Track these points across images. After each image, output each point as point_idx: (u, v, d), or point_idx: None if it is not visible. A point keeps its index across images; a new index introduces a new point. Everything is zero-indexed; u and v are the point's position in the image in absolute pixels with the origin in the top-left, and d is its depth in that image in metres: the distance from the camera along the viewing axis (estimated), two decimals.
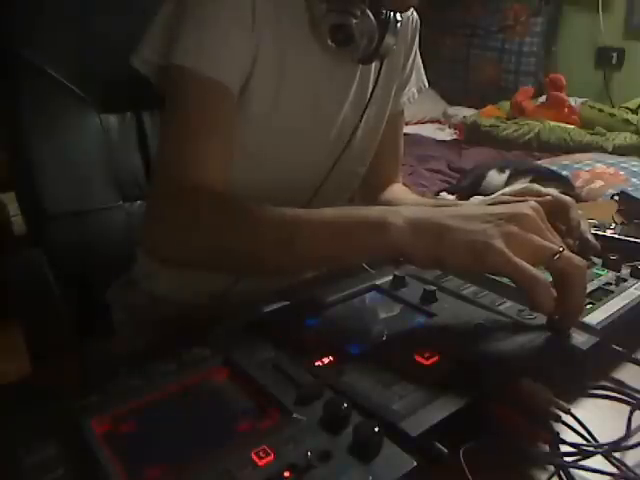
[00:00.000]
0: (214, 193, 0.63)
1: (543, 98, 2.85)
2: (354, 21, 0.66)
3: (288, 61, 0.69)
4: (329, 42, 0.68)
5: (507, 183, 1.95)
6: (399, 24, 0.71)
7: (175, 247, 0.63)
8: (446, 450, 0.38)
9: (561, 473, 0.40)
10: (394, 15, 0.70)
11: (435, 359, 0.45)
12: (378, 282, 0.60)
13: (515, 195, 0.69)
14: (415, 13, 0.85)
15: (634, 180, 1.95)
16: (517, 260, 0.45)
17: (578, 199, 1.81)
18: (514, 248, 0.46)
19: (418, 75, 0.91)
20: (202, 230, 0.60)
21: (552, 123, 2.59)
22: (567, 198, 0.68)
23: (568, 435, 0.43)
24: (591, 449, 0.42)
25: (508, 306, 0.55)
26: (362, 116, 0.77)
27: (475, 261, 0.47)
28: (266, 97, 0.69)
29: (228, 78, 0.64)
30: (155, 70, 0.67)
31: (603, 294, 0.58)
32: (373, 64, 0.76)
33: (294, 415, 0.38)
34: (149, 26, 0.66)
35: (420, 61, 0.90)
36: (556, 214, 0.66)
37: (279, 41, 0.67)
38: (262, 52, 0.66)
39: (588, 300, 0.56)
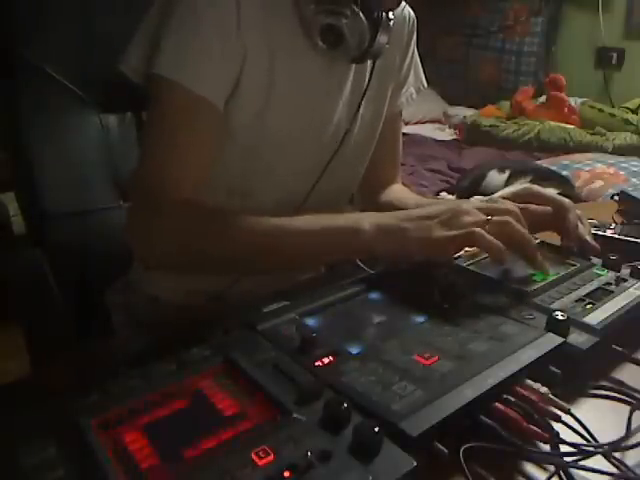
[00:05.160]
0: (193, 207, 0.65)
1: (543, 98, 2.84)
2: (344, 21, 0.65)
3: (278, 62, 0.68)
4: (320, 43, 0.67)
5: (507, 183, 1.95)
6: (391, 22, 0.70)
7: (161, 255, 0.66)
8: (446, 450, 0.38)
9: (561, 473, 0.40)
10: (386, 14, 0.70)
11: (435, 359, 0.46)
12: (377, 281, 0.60)
13: (515, 196, 0.69)
14: (412, 13, 0.85)
15: (634, 180, 1.95)
16: (453, 234, 0.58)
17: (578, 199, 1.81)
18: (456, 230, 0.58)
19: (416, 75, 0.90)
20: (186, 241, 0.64)
21: (552, 123, 2.59)
22: (565, 201, 0.68)
23: (568, 435, 0.43)
24: (591, 449, 0.42)
25: (508, 306, 0.55)
26: (355, 115, 0.77)
27: (429, 249, 0.59)
28: (257, 98, 0.68)
29: (209, 91, 0.64)
30: (143, 76, 0.66)
31: (603, 294, 0.58)
32: (368, 63, 0.76)
33: (294, 415, 0.38)
34: (136, 32, 0.66)
35: (418, 61, 0.90)
36: (554, 217, 0.66)
37: (268, 43, 0.67)
38: (250, 55, 0.66)
39: (588, 300, 0.57)
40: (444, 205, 0.62)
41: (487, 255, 0.65)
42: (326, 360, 0.46)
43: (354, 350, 0.47)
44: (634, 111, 2.59)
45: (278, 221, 0.63)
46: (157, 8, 0.64)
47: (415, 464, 0.35)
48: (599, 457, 0.41)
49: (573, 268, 0.64)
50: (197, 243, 0.64)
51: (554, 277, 0.61)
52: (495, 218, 0.59)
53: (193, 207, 0.65)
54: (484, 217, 0.59)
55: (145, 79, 0.66)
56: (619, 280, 0.61)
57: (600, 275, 0.62)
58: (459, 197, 1.90)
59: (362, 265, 0.66)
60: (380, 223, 0.61)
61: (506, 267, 0.62)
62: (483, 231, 0.57)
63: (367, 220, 0.62)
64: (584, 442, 0.42)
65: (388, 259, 0.63)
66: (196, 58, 0.63)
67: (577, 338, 0.50)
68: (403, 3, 0.82)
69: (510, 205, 0.62)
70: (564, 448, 0.42)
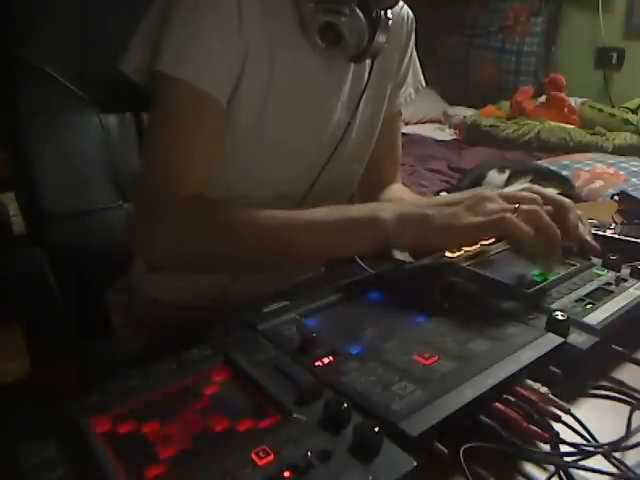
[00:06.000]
0: (201, 203, 0.64)
1: (543, 98, 2.84)
2: (343, 20, 0.66)
3: (278, 61, 0.68)
4: (319, 41, 0.68)
5: (507, 183, 1.94)
6: (390, 22, 0.71)
7: (168, 256, 0.65)
8: (446, 450, 0.38)
9: (561, 473, 0.40)
10: (385, 12, 0.70)
11: (435, 359, 0.46)
12: (377, 281, 0.60)
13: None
14: (410, 13, 0.85)
15: (634, 180, 1.95)
16: (482, 220, 0.56)
17: (578, 199, 1.81)
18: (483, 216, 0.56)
19: (415, 75, 0.90)
20: (194, 240, 0.63)
21: (552, 123, 2.59)
22: (565, 200, 0.68)
23: (568, 435, 0.43)
24: (591, 449, 0.42)
25: (509, 306, 0.55)
26: (354, 114, 0.77)
27: (455, 237, 0.58)
28: (257, 97, 0.68)
29: (214, 88, 0.64)
30: (144, 75, 0.66)
31: (603, 294, 0.58)
32: (367, 62, 0.76)
33: (294, 415, 0.38)
34: (136, 31, 0.66)
35: (417, 61, 0.90)
36: (554, 217, 0.66)
37: (269, 43, 0.67)
38: (251, 55, 0.66)
39: (588, 300, 0.57)
40: (465, 192, 0.59)
41: (489, 254, 0.65)
42: (326, 360, 0.46)
43: (354, 350, 0.47)
44: (634, 111, 2.59)
45: (288, 213, 0.62)
46: (157, 8, 0.64)
47: (415, 464, 0.35)
48: (599, 457, 0.41)
49: (573, 268, 0.64)
50: (201, 240, 0.63)
51: (554, 277, 0.61)
52: (524, 206, 0.56)
53: (197, 203, 0.64)
54: (510, 205, 0.57)
55: (146, 78, 0.66)
56: (619, 280, 0.61)
57: (600, 275, 0.62)
58: None
59: (363, 265, 0.65)
60: (401, 212, 0.59)
61: (506, 267, 0.62)
62: (514, 219, 0.54)
63: (386, 209, 0.59)
64: (584, 442, 0.42)
65: (408, 250, 0.61)
66: (199, 57, 0.63)
67: (577, 338, 0.50)
68: (402, 3, 0.82)
69: (534, 195, 0.59)
70: (564, 448, 0.42)
